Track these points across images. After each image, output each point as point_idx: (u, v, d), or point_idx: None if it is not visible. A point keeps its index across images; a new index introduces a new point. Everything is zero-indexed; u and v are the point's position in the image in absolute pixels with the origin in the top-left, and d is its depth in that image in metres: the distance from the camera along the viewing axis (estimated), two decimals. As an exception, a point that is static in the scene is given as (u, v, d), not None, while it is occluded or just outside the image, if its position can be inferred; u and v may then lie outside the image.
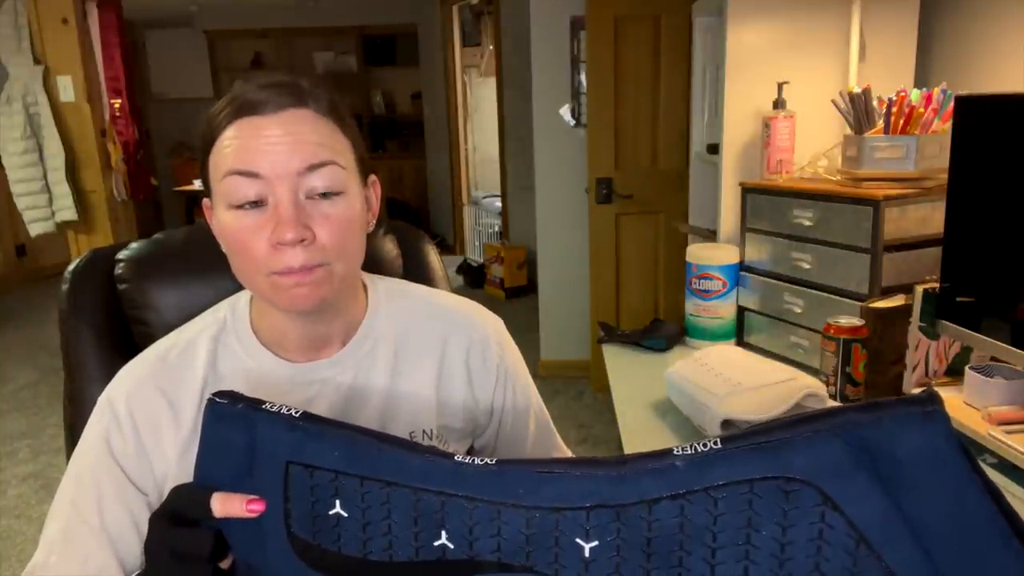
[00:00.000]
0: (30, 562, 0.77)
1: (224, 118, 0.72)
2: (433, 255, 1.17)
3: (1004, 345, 1.13)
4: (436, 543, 0.55)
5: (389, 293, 0.90)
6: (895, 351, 1.34)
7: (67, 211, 3.60)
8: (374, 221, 0.85)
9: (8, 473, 2.99)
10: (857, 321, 1.32)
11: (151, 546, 0.61)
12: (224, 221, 0.74)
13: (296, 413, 0.60)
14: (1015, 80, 1.68)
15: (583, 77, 3.44)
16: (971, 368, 1.21)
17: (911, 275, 1.47)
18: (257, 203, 0.71)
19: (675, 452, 0.51)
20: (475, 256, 6.08)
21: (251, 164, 0.70)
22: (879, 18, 1.90)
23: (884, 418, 0.48)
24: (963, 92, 1.28)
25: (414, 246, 1.16)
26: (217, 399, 0.60)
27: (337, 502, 0.58)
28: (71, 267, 1.04)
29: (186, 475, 0.72)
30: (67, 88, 3.57)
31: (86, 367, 0.99)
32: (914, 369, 1.33)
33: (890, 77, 1.88)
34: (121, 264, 1.03)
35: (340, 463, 0.58)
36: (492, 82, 5.39)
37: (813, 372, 1.43)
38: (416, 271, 1.12)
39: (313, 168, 0.71)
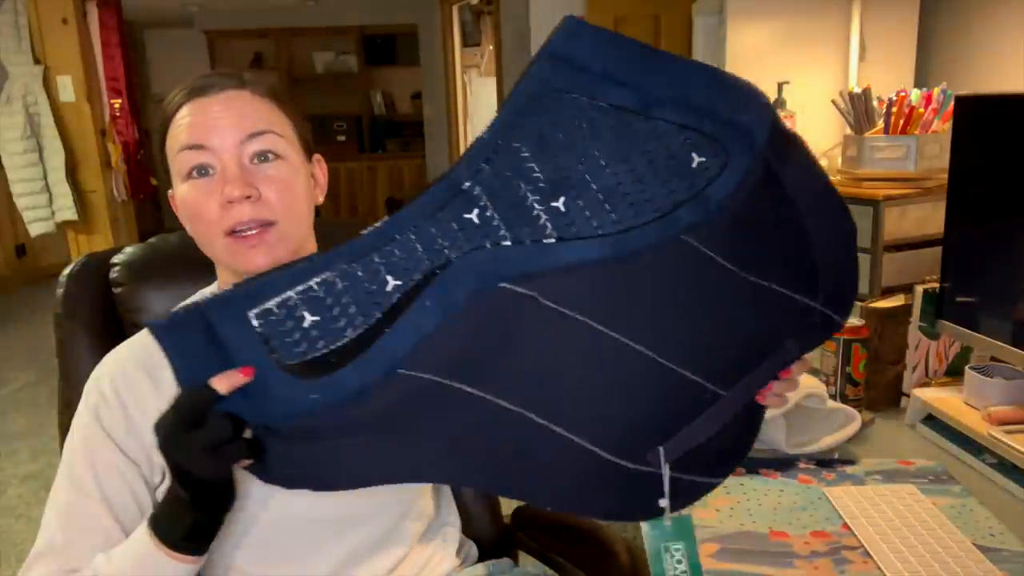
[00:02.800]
0: (33, 549, 0.79)
1: (176, 102, 0.81)
2: None
3: (1004, 345, 1.13)
4: (388, 288, 0.67)
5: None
6: (895, 351, 1.34)
7: (67, 211, 3.60)
8: (322, 196, 0.91)
9: (8, 473, 2.98)
10: (857, 321, 1.32)
11: (182, 458, 0.67)
12: (180, 194, 0.81)
13: (224, 290, 0.68)
14: (1015, 80, 1.69)
15: (583, 77, 3.44)
16: (971, 368, 1.21)
17: (911, 275, 1.47)
18: (205, 171, 0.79)
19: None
20: (475, 256, 6.07)
21: (199, 138, 0.79)
22: (879, 18, 1.90)
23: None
24: (963, 92, 1.28)
25: None
26: (153, 323, 0.66)
27: (305, 314, 0.66)
28: (66, 271, 1.05)
29: None
30: (67, 88, 3.58)
31: (82, 370, 0.98)
32: (914, 369, 1.33)
33: (890, 77, 1.88)
34: (116, 268, 1.04)
35: (289, 285, 0.67)
36: (492, 82, 5.38)
37: (813, 372, 1.42)
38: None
39: (253, 136, 0.80)
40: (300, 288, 0.67)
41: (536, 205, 0.68)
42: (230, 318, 0.67)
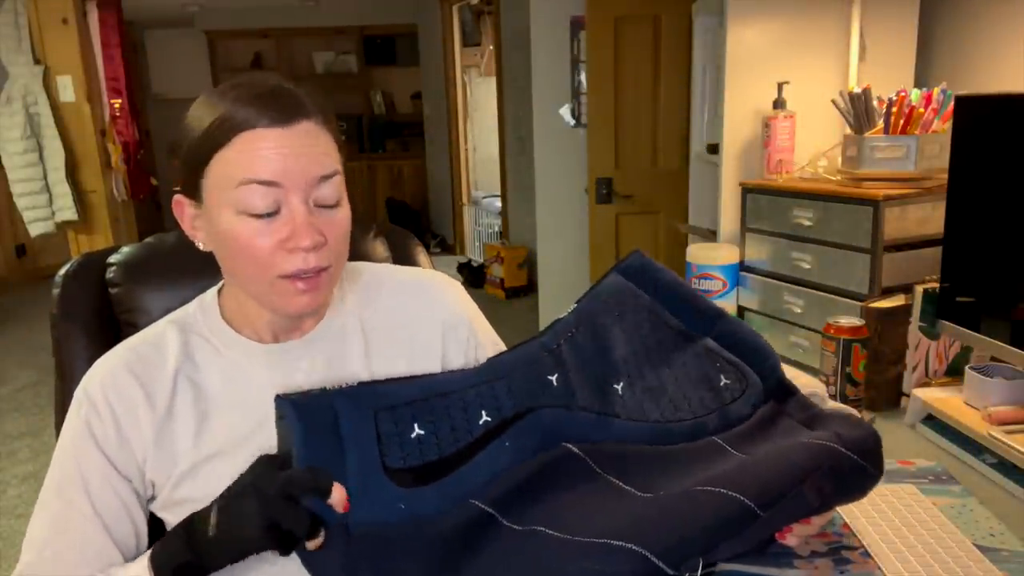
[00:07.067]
0: (18, 566, 0.78)
1: (236, 124, 0.73)
2: (423, 257, 1.18)
3: (1004, 345, 1.13)
4: (480, 421, 0.79)
5: (351, 273, 0.92)
6: (895, 351, 1.34)
7: (67, 211, 3.60)
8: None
9: (8, 473, 2.99)
10: (857, 321, 1.32)
11: (249, 514, 0.66)
12: (231, 226, 0.75)
13: (350, 384, 0.77)
14: (1015, 80, 1.68)
15: (583, 77, 3.44)
16: (971, 368, 1.21)
17: (911, 275, 1.47)
18: (271, 211, 0.74)
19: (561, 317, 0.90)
20: (475, 256, 6.08)
21: (272, 174, 0.73)
22: (879, 18, 1.90)
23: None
24: (963, 92, 1.27)
25: (404, 248, 1.17)
26: (287, 401, 0.72)
27: (415, 425, 0.76)
28: (62, 271, 1.04)
29: (164, 456, 0.79)
30: (67, 88, 3.58)
31: (78, 370, 0.98)
32: (914, 369, 1.33)
33: (890, 77, 1.88)
34: (112, 268, 1.04)
35: (409, 396, 0.77)
36: (492, 82, 5.39)
37: (813, 372, 1.42)
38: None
39: (324, 179, 0.75)
40: (418, 401, 0.77)
41: (603, 383, 0.86)
42: (356, 413, 0.74)
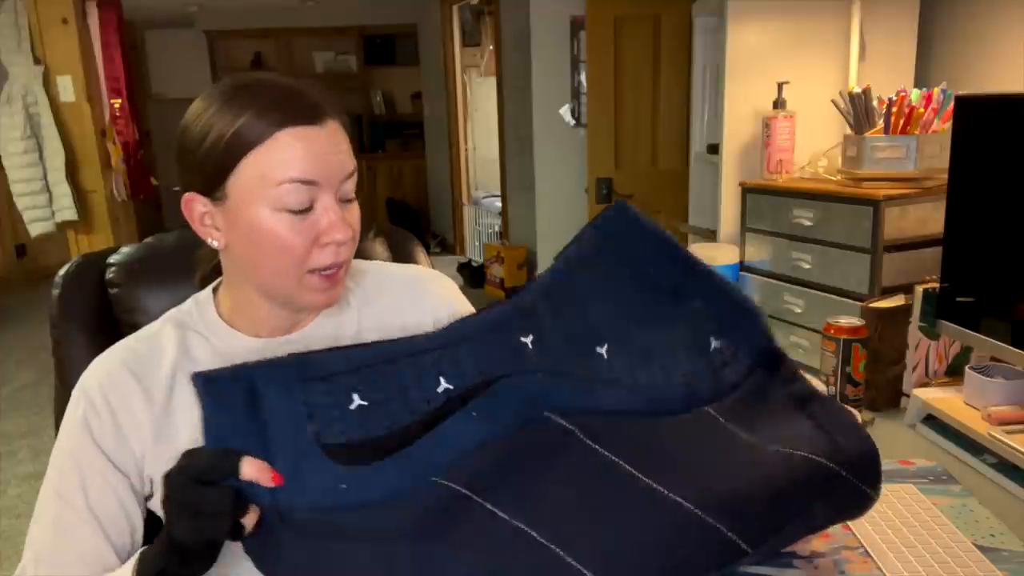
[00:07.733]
0: (19, 566, 0.78)
1: (270, 124, 0.74)
2: (422, 257, 1.18)
3: (1004, 345, 1.13)
4: (439, 389, 0.71)
5: (356, 273, 0.93)
6: (895, 351, 1.34)
7: (67, 211, 3.60)
8: None
9: (8, 473, 2.98)
10: (857, 321, 1.32)
11: (173, 504, 0.66)
12: (268, 222, 0.75)
13: (283, 355, 0.69)
14: (1015, 80, 1.69)
15: (583, 77, 3.44)
16: (971, 368, 1.21)
17: (911, 275, 1.47)
18: (308, 208, 0.76)
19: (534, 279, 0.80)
20: (475, 256, 6.08)
21: (311, 173, 0.75)
22: (879, 18, 1.90)
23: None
24: (963, 92, 1.28)
25: (403, 248, 1.17)
26: (198, 373, 0.67)
27: (355, 396, 0.68)
28: (61, 272, 1.04)
29: (164, 452, 0.77)
30: (67, 88, 3.57)
31: (78, 371, 0.98)
32: (914, 369, 1.33)
33: (890, 77, 1.88)
34: (112, 269, 1.04)
35: (345, 365, 0.69)
36: (492, 82, 5.38)
37: (813, 372, 1.42)
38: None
39: (349, 176, 0.78)
40: (355, 370, 0.69)
41: (585, 346, 0.77)
42: (277, 385, 0.67)
